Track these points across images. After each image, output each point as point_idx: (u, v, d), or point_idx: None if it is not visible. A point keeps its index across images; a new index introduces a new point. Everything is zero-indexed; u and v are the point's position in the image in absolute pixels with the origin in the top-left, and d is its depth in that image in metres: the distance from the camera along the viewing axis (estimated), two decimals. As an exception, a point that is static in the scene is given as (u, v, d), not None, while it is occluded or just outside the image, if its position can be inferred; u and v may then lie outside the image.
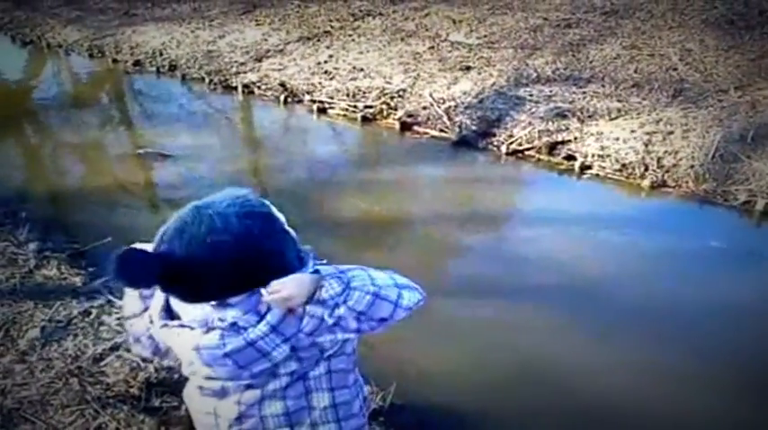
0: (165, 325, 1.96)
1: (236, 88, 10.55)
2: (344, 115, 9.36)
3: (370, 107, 9.25)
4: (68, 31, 13.85)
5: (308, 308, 1.87)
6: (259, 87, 10.44)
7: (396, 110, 9.11)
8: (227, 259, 1.84)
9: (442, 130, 8.57)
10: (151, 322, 2.03)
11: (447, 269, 6.11)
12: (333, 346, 2.02)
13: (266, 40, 11.88)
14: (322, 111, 9.53)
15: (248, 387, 2.01)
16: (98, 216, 7.00)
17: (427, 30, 11.36)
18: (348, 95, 9.61)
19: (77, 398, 3.93)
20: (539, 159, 7.86)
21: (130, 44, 12.65)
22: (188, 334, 1.93)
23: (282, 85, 10.23)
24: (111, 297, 4.99)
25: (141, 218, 6.97)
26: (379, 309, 1.95)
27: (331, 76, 10.25)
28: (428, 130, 8.68)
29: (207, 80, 10.91)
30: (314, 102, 9.66)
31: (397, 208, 7.19)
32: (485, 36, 10.88)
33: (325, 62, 10.72)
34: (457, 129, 8.45)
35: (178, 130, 9.30)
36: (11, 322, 4.65)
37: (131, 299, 2.13)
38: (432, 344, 4.95)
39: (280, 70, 10.72)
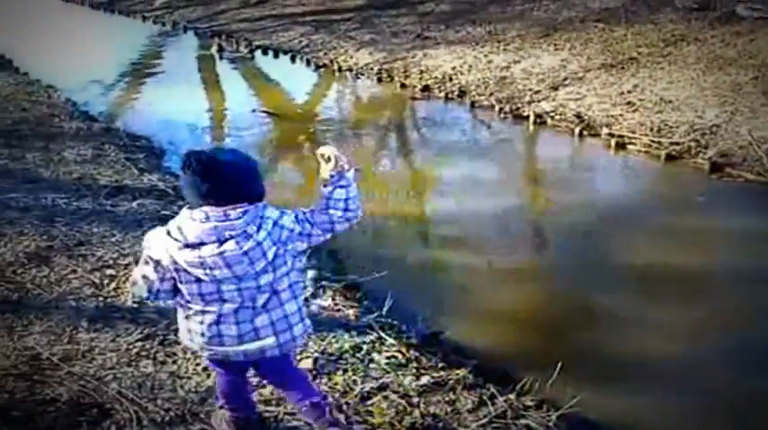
0: (186, 245, 3.10)
1: (527, 118, 10.89)
2: (646, 152, 9.34)
3: (677, 144, 9.15)
4: (360, 54, 15.08)
5: (283, 221, 3.21)
6: (552, 117, 10.70)
7: (706, 148, 8.94)
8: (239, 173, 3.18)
9: (760, 174, 8.29)
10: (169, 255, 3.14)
11: (752, 337, 5.85)
12: (297, 256, 3.34)
13: (564, 66, 12.12)
14: (620, 146, 9.58)
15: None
16: (374, 246, 7.56)
17: (751, 57, 10.98)
18: (652, 130, 9.58)
19: (344, 436, 4.33)
20: None
21: (420, 68, 13.50)
22: (204, 249, 3.08)
23: (578, 116, 10.40)
24: (382, 334, 5.41)
25: (415, 250, 7.54)
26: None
27: (634, 107, 10.27)
28: (743, 173, 8.43)
29: (497, 108, 11.35)
30: (612, 136, 9.73)
31: (700, 261, 7.03)
32: (827, 63, 10.32)
33: (629, 92, 10.76)
34: (779, 174, 8.12)
35: (458, 159, 9.79)
36: (286, 350, 5.20)
37: (149, 270, 3.26)
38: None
39: (577, 100, 10.91)
